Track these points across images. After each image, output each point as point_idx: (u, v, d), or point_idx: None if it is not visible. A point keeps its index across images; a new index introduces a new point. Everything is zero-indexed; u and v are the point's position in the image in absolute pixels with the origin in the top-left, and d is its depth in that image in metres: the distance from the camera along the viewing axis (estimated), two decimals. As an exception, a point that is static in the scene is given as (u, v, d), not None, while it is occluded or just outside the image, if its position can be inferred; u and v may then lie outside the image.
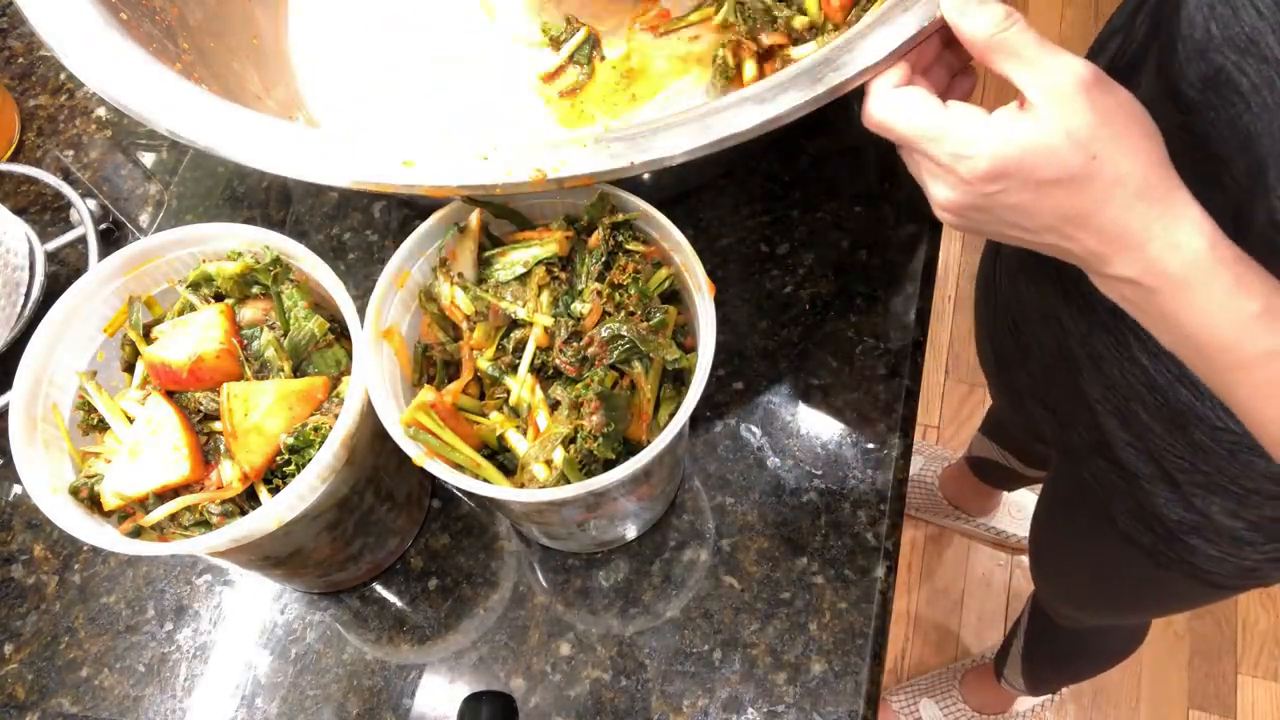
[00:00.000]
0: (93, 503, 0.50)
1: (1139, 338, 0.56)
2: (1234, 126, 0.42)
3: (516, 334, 0.52)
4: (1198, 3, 0.42)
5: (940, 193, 0.43)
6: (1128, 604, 0.87)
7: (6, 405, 0.51)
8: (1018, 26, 0.40)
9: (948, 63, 0.49)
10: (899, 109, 0.43)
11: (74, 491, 0.50)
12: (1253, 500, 0.57)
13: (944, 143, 0.41)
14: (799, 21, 0.68)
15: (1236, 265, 0.40)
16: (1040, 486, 1.44)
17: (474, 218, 0.53)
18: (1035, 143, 0.39)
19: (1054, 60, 0.40)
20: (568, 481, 0.48)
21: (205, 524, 0.49)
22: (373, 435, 0.52)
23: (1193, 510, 0.61)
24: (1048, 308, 0.66)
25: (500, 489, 0.47)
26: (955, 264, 1.82)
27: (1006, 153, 0.39)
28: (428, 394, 0.49)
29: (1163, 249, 0.40)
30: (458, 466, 0.49)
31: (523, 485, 0.49)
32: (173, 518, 0.49)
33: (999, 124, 0.40)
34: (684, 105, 0.68)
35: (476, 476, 0.49)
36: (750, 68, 0.68)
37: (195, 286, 0.54)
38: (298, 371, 0.53)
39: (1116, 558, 0.75)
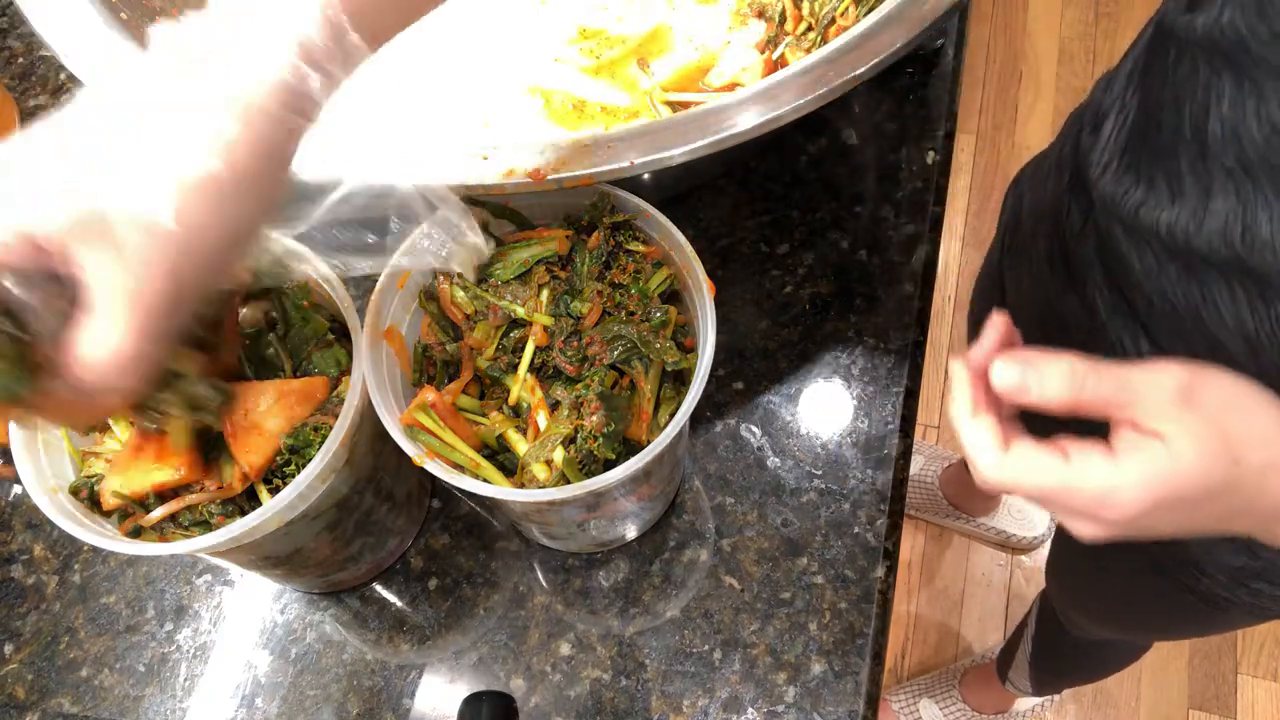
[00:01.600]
0: (93, 503, 0.50)
1: None
2: None
3: (516, 333, 0.52)
4: None
5: (1086, 530, 0.41)
6: (1156, 628, 0.85)
7: (6, 405, 0.51)
8: (1092, 378, 0.38)
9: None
10: (1020, 471, 0.40)
11: (74, 491, 0.50)
12: None
13: (1081, 495, 0.39)
14: None
15: None
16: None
17: (474, 218, 0.53)
18: (1177, 473, 0.37)
19: (1148, 382, 0.38)
20: (568, 481, 0.48)
21: (205, 524, 0.49)
22: (373, 435, 0.52)
23: (1257, 558, 0.60)
24: None
25: (500, 489, 0.47)
26: (955, 264, 1.82)
27: (1151, 493, 0.38)
28: (428, 394, 0.49)
29: None
30: (458, 466, 0.49)
31: (523, 485, 0.49)
32: (173, 518, 0.49)
33: (1133, 465, 0.38)
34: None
35: (476, 476, 0.49)
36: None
37: (195, 286, 0.54)
38: (298, 371, 0.53)
39: (1153, 593, 0.73)
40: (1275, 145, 0.42)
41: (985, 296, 0.82)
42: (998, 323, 0.42)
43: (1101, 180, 0.55)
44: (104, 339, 0.35)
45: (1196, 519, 0.39)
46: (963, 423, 0.41)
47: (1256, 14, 0.40)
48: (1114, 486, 0.38)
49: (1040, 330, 0.67)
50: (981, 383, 0.41)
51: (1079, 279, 0.60)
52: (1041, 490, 0.40)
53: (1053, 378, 0.38)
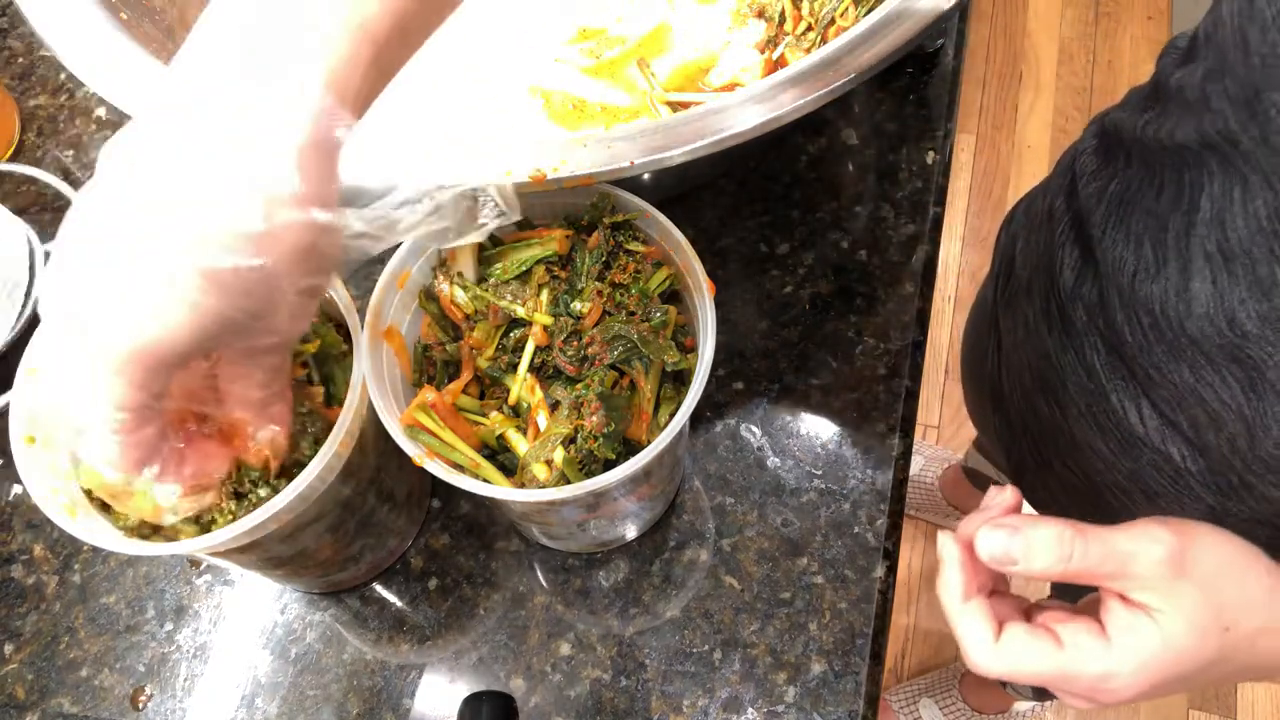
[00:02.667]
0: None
1: (1201, 482, 0.53)
2: None
3: (516, 333, 0.52)
4: None
5: (1083, 706, 0.41)
6: None
7: (7, 405, 0.51)
8: (1079, 546, 0.38)
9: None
10: (1013, 661, 0.40)
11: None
12: None
13: (1078, 682, 0.39)
14: None
15: None
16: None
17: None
18: (1169, 654, 0.38)
19: (1136, 551, 0.38)
20: (568, 481, 0.48)
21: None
22: (373, 435, 0.52)
23: None
24: (1077, 438, 0.61)
25: (500, 489, 0.47)
26: (955, 264, 1.82)
27: (1147, 677, 0.38)
28: (428, 394, 0.49)
29: None
30: (458, 466, 0.49)
31: (523, 485, 0.49)
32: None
33: (1128, 650, 0.38)
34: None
35: (476, 476, 0.49)
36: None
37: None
38: (327, 387, 0.53)
39: None
40: (1259, 242, 0.41)
41: (978, 334, 0.80)
42: (1007, 499, 0.41)
43: (1104, 241, 0.53)
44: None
45: (1190, 685, 0.40)
46: (953, 610, 0.41)
47: (1247, 113, 0.39)
48: (1109, 673, 0.38)
49: (1038, 385, 0.65)
50: (970, 554, 0.41)
51: (1076, 339, 0.59)
52: (1039, 676, 0.40)
53: (1040, 549, 0.38)
